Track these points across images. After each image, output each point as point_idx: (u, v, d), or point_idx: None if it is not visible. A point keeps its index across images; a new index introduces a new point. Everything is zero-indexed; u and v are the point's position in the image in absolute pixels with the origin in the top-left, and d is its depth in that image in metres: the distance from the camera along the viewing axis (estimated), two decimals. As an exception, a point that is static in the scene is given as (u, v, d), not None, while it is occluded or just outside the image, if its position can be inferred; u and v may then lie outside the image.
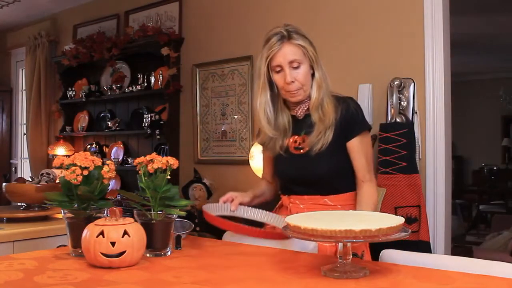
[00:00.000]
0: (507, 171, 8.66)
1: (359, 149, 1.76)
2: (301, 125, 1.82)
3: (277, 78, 1.76)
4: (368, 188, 1.76)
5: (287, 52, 1.72)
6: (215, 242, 1.80)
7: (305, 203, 1.80)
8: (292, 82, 1.73)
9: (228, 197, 1.83)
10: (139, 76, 4.28)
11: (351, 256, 1.28)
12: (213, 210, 1.79)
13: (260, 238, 1.65)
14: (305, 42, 1.74)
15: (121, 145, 4.52)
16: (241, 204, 1.83)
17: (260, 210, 1.84)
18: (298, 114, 1.83)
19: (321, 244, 1.65)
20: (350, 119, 1.76)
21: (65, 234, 1.56)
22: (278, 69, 1.74)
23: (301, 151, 1.79)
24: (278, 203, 1.95)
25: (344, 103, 1.78)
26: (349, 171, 1.79)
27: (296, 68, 1.73)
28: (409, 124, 2.75)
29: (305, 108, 1.81)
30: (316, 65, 1.76)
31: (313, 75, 1.77)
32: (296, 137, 1.82)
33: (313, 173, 1.77)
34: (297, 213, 1.72)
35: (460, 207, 7.41)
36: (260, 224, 1.83)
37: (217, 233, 1.89)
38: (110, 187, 1.65)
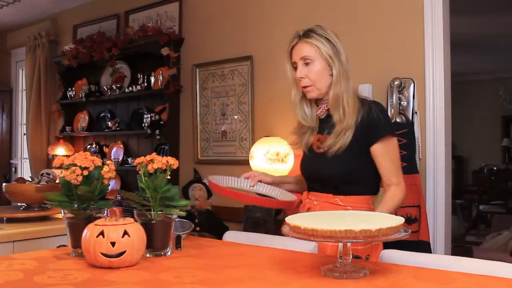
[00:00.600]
0: (507, 171, 8.67)
1: (383, 154, 1.77)
2: (324, 124, 1.86)
3: (295, 74, 1.84)
4: (392, 191, 1.77)
5: (300, 49, 1.80)
6: (215, 242, 1.80)
7: (319, 200, 1.84)
8: (302, 78, 1.80)
9: (251, 174, 1.94)
10: (139, 76, 4.28)
11: (351, 256, 1.28)
12: (221, 182, 1.87)
13: (264, 206, 1.70)
14: (320, 41, 1.78)
15: (121, 145, 4.52)
16: (260, 181, 1.93)
17: (271, 186, 1.94)
18: (319, 113, 1.87)
19: (321, 244, 1.65)
20: (371, 123, 1.76)
21: (65, 234, 1.56)
22: (294, 65, 1.83)
23: (321, 150, 1.83)
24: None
25: (367, 107, 1.79)
26: (366, 175, 1.80)
27: (307, 64, 1.79)
28: (409, 124, 2.75)
29: (326, 108, 1.84)
30: (332, 64, 1.79)
31: (332, 75, 1.81)
32: (319, 135, 1.86)
33: (325, 173, 1.81)
34: (309, 208, 1.84)
35: (460, 207, 7.40)
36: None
37: (217, 233, 1.90)
38: (110, 187, 1.65)
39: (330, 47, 1.79)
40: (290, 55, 1.84)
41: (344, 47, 1.85)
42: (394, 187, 1.77)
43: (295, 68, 1.83)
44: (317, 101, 1.88)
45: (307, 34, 1.80)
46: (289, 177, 2.11)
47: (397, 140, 1.83)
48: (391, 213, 1.65)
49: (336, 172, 1.79)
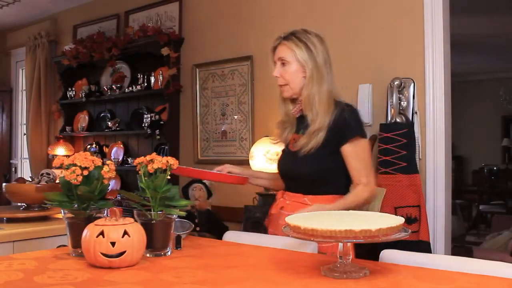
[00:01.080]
0: (507, 171, 8.67)
1: (352, 154, 1.82)
2: (300, 124, 1.94)
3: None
4: (357, 189, 1.82)
5: (279, 50, 1.92)
6: (215, 242, 1.80)
7: (290, 199, 1.90)
8: (277, 77, 1.92)
9: (223, 166, 2.02)
10: (139, 76, 4.29)
11: (351, 256, 1.28)
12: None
13: (214, 180, 1.86)
14: (297, 45, 1.88)
15: (121, 145, 4.52)
16: (230, 172, 2.01)
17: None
18: (294, 111, 1.95)
19: (321, 244, 1.65)
20: (341, 124, 1.82)
21: (65, 234, 1.56)
22: (275, 64, 1.94)
23: (295, 148, 1.90)
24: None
25: (339, 108, 1.85)
26: (336, 174, 1.86)
27: (284, 65, 1.90)
28: (409, 124, 2.75)
29: (300, 108, 1.93)
30: (306, 67, 1.87)
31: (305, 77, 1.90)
32: (295, 135, 1.94)
33: (296, 172, 1.89)
34: (282, 207, 1.91)
35: (460, 207, 7.40)
36: None
37: (217, 233, 1.92)
38: (110, 187, 1.65)
39: (305, 52, 1.87)
40: (273, 55, 1.96)
41: (328, 50, 1.93)
42: (361, 186, 1.81)
43: (274, 67, 1.94)
44: (294, 101, 1.96)
45: (287, 37, 1.91)
46: (262, 172, 2.21)
47: (368, 142, 1.91)
48: (349, 209, 1.65)
49: (307, 172, 1.85)
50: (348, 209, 1.66)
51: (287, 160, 1.96)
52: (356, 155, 1.83)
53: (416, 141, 2.76)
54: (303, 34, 1.90)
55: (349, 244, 1.27)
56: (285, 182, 1.97)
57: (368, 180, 1.82)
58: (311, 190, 1.85)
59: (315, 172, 1.85)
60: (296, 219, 1.32)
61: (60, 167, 1.54)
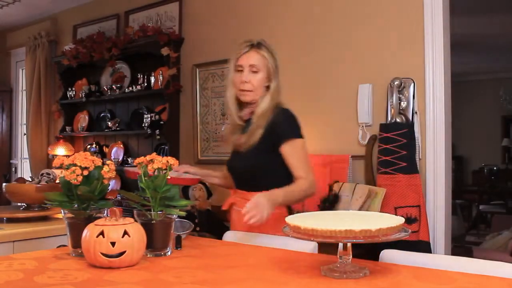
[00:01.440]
0: (507, 171, 8.66)
1: (290, 153, 1.94)
2: (246, 126, 2.04)
3: (235, 76, 2.02)
4: (298, 182, 1.92)
5: (250, 56, 2.01)
6: (215, 242, 1.80)
7: (238, 196, 2.02)
8: (246, 82, 1.99)
9: (180, 166, 2.07)
10: (139, 76, 4.28)
11: (351, 256, 1.28)
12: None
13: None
14: (269, 55, 2.02)
15: (121, 145, 4.52)
16: (186, 172, 2.09)
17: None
18: (243, 115, 2.06)
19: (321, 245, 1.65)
20: (275, 127, 1.95)
21: (65, 234, 1.56)
22: (239, 68, 2.01)
23: (239, 148, 2.02)
24: None
25: (275, 112, 1.97)
26: (272, 170, 1.97)
27: (254, 72, 1.99)
28: (409, 124, 2.75)
29: (249, 112, 2.04)
30: (273, 76, 2.01)
31: (268, 87, 2.01)
32: (241, 136, 2.04)
33: (237, 168, 2.05)
34: (233, 203, 2.04)
35: (460, 207, 7.39)
36: None
37: (217, 233, 1.92)
38: (110, 187, 1.65)
39: (273, 62, 2.02)
40: (236, 60, 2.03)
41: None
42: (302, 180, 1.91)
43: (237, 71, 2.01)
44: (241, 103, 2.06)
45: (259, 45, 2.03)
46: (216, 172, 2.28)
47: (304, 142, 2.00)
48: (287, 197, 1.86)
49: (245, 166, 2.00)
50: (290, 196, 1.87)
51: (233, 159, 2.09)
52: (294, 153, 1.94)
53: (416, 141, 2.76)
54: (268, 44, 2.05)
55: (349, 244, 1.27)
56: (233, 180, 2.09)
57: (307, 175, 1.93)
58: (252, 186, 1.96)
59: (252, 167, 1.98)
60: (296, 219, 1.32)
61: (60, 167, 1.54)
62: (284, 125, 1.97)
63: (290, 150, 1.95)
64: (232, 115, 2.07)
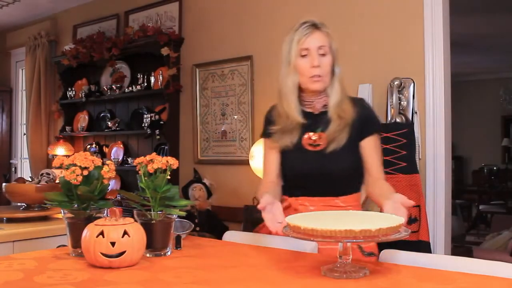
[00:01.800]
0: (507, 171, 8.66)
1: (374, 147, 1.76)
2: (317, 121, 1.77)
3: (302, 62, 1.74)
4: (388, 183, 1.71)
5: (317, 38, 1.73)
6: (215, 242, 1.80)
7: (316, 205, 1.75)
8: (318, 66, 1.71)
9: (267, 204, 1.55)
10: (139, 76, 4.29)
11: (351, 256, 1.28)
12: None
13: None
14: (332, 36, 1.76)
15: (121, 145, 4.52)
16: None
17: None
18: (315, 108, 1.79)
19: (321, 244, 1.64)
20: (365, 118, 1.76)
21: (65, 234, 1.55)
22: (305, 53, 1.73)
23: (317, 148, 1.75)
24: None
25: (359, 103, 1.80)
26: (360, 172, 1.78)
27: (323, 55, 1.73)
28: (409, 124, 2.75)
29: (323, 104, 1.78)
30: (337, 61, 1.77)
31: (333, 73, 1.77)
32: (311, 133, 1.76)
33: (332, 170, 1.73)
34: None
35: (460, 207, 7.40)
36: None
37: (217, 233, 1.90)
38: (110, 187, 1.65)
39: (335, 44, 1.77)
40: (298, 43, 1.74)
41: None
42: (385, 182, 1.72)
43: (303, 56, 1.73)
44: (306, 96, 1.79)
45: (321, 24, 1.75)
46: (272, 190, 1.78)
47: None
48: None
49: (341, 169, 1.73)
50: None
51: (310, 161, 1.75)
52: (377, 149, 1.76)
53: (416, 141, 2.76)
54: (325, 24, 1.78)
55: (349, 244, 1.27)
56: (303, 185, 1.77)
57: (384, 176, 1.75)
58: (342, 190, 1.74)
59: (351, 169, 1.75)
60: (296, 219, 1.32)
61: (60, 167, 1.54)
62: (371, 117, 1.80)
63: (373, 144, 1.75)
64: (292, 110, 1.76)
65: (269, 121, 1.88)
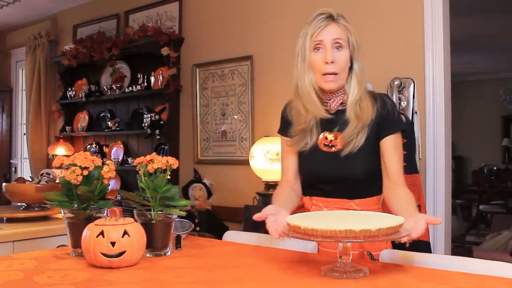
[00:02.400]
0: (507, 171, 8.66)
1: (394, 148, 1.63)
2: (334, 120, 1.67)
3: (315, 57, 1.61)
4: (407, 190, 1.60)
5: (332, 30, 1.61)
6: (215, 242, 1.80)
7: (329, 206, 1.70)
8: (332, 62, 1.59)
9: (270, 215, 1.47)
10: (139, 76, 4.29)
11: (351, 256, 1.28)
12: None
13: None
14: (350, 28, 1.64)
15: (121, 145, 4.52)
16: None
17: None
18: (331, 107, 1.68)
19: (322, 244, 1.64)
20: (386, 117, 1.64)
21: (65, 234, 1.55)
22: (318, 45, 1.61)
23: (333, 149, 1.66)
24: (298, 203, 1.79)
25: (380, 100, 1.67)
26: (379, 173, 1.68)
27: (338, 49, 1.60)
28: (409, 124, 2.75)
29: (339, 102, 1.67)
30: (356, 55, 1.64)
31: (350, 68, 1.65)
32: (327, 133, 1.68)
33: (347, 173, 1.65)
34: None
35: (460, 207, 7.41)
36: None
37: (217, 233, 1.89)
38: (110, 187, 1.65)
39: (355, 36, 1.64)
40: (312, 35, 1.62)
41: None
42: (404, 187, 1.61)
43: (317, 50, 1.61)
44: (323, 94, 1.67)
45: (338, 16, 1.63)
46: (289, 203, 1.68)
47: None
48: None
49: (358, 172, 1.64)
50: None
51: (325, 162, 1.67)
52: (398, 149, 1.64)
53: (416, 141, 2.76)
54: (343, 16, 1.66)
55: (349, 244, 1.27)
56: (317, 187, 1.72)
57: (404, 179, 1.63)
58: (358, 193, 1.67)
59: (368, 172, 1.65)
60: (296, 219, 1.32)
61: (60, 167, 1.54)
62: (392, 115, 1.65)
63: (393, 144, 1.63)
64: (312, 106, 1.64)
65: (286, 120, 1.78)
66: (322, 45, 1.61)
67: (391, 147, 1.63)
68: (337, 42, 1.60)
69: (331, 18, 1.62)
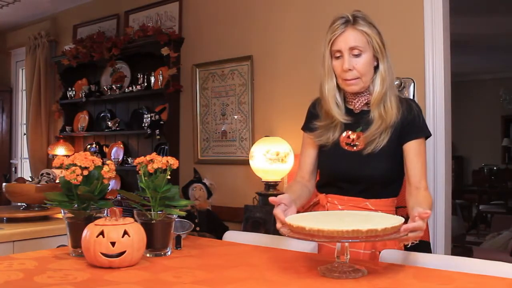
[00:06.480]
0: (507, 171, 8.67)
1: (417, 153, 1.65)
2: (358, 120, 1.70)
3: (335, 64, 1.65)
4: (427, 194, 1.61)
5: (349, 38, 1.62)
6: (215, 242, 1.80)
7: (345, 204, 1.70)
8: (350, 70, 1.62)
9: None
10: (139, 76, 4.29)
11: (349, 256, 1.28)
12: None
13: None
14: (371, 29, 1.64)
15: (121, 145, 4.52)
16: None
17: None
18: (355, 107, 1.71)
19: (322, 245, 1.64)
20: (411, 121, 1.66)
21: (65, 234, 1.56)
22: (337, 54, 1.64)
23: (354, 148, 1.68)
24: (314, 200, 1.82)
25: (406, 104, 1.68)
26: (398, 176, 1.71)
27: (357, 56, 1.62)
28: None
29: (364, 102, 1.69)
30: (381, 56, 1.65)
31: (376, 67, 1.67)
32: (350, 132, 1.70)
33: (366, 173, 1.67)
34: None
35: (460, 207, 7.41)
36: None
37: (217, 233, 1.89)
38: (110, 187, 1.65)
39: (378, 37, 1.64)
40: (330, 42, 1.65)
41: None
42: (425, 192, 1.61)
43: (337, 58, 1.65)
44: (348, 94, 1.71)
45: (355, 20, 1.63)
46: (294, 195, 1.67)
47: None
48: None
49: (377, 173, 1.66)
50: None
51: (345, 161, 1.69)
52: (421, 154, 1.65)
53: (416, 141, 2.76)
54: (365, 15, 1.65)
55: (347, 244, 1.27)
56: (335, 184, 1.73)
57: (426, 184, 1.63)
58: (374, 193, 1.68)
59: (386, 173, 1.67)
60: (296, 219, 1.31)
61: (60, 167, 1.54)
62: (417, 120, 1.66)
63: (417, 149, 1.64)
64: (332, 110, 1.68)
65: (312, 114, 1.80)
66: (341, 53, 1.63)
67: (414, 152, 1.65)
68: (354, 49, 1.62)
69: (348, 22, 1.63)
